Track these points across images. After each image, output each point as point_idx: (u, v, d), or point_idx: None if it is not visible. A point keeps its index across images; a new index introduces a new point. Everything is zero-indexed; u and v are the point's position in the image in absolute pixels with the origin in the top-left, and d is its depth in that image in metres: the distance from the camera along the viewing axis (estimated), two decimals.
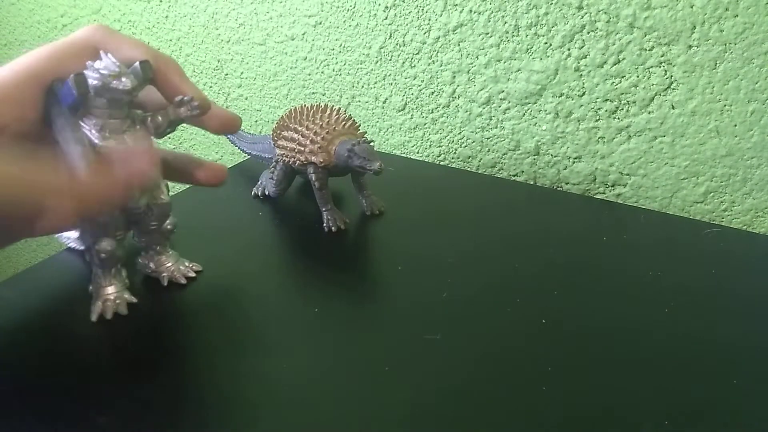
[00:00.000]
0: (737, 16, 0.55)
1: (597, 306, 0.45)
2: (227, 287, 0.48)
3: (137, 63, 0.39)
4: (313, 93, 0.83)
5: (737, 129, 0.58)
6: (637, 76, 0.61)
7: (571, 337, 0.41)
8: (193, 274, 0.49)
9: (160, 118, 0.43)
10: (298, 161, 0.54)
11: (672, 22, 0.58)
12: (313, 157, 0.53)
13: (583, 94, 0.64)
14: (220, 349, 0.41)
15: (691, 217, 0.63)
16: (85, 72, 0.38)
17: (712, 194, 0.62)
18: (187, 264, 0.49)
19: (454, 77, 0.71)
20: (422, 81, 0.73)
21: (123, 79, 0.39)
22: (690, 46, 0.58)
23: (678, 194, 0.63)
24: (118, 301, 0.44)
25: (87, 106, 0.39)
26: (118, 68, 0.39)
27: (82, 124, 0.40)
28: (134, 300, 0.45)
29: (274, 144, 0.58)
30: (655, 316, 0.44)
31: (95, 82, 0.38)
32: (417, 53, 0.72)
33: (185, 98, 0.43)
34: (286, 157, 0.56)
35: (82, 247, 0.52)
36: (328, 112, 0.55)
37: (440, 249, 0.52)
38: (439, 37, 0.70)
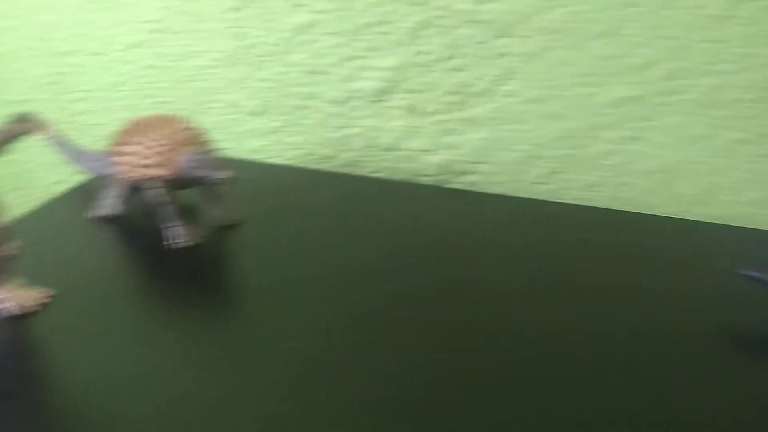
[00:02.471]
0: (564, 6, 0.59)
1: (450, 287, 0.46)
2: (74, 317, 0.44)
3: None
4: (162, 102, 0.79)
5: (570, 112, 0.63)
6: (479, 69, 0.63)
7: (430, 331, 0.42)
8: (44, 302, 0.45)
9: None
10: (140, 176, 0.51)
11: (507, 14, 0.60)
12: (155, 171, 0.50)
13: (431, 88, 0.66)
14: (72, 384, 0.38)
15: (536, 198, 0.66)
16: None
17: (553, 174, 0.66)
18: (34, 292, 0.45)
19: (307, 78, 0.70)
20: (275, 83, 0.72)
21: None
22: (526, 37, 0.61)
23: (523, 177, 0.67)
24: None
25: None
26: None
27: None
28: None
29: (113, 159, 0.54)
30: (512, 299, 0.45)
31: None
32: (268, 56, 0.71)
33: (27, 114, 0.40)
34: (128, 172, 0.52)
35: None
36: (170, 122, 0.53)
37: (300, 256, 0.51)
38: (288, 39, 0.69)
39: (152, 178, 0.51)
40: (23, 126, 0.41)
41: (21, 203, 0.91)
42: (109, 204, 0.56)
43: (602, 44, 0.59)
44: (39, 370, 0.40)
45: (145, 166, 0.51)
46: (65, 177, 0.90)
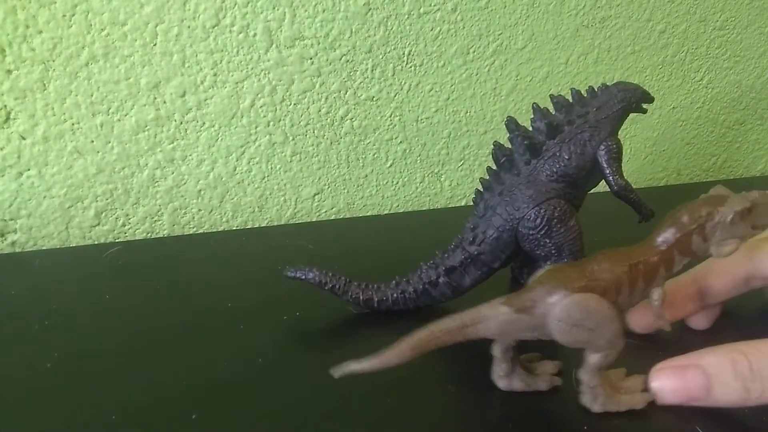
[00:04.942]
0: (42, 32, 0.52)
1: None
2: None
3: None
4: None
5: (96, 144, 0.57)
6: None
7: None
8: None
9: None
10: None
11: None
12: None
13: None
14: None
15: (95, 243, 0.59)
16: None
17: (104, 213, 0.59)
18: None
19: None
20: None
21: None
22: (9, 71, 0.52)
23: (72, 224, 0.59)
24: None
25: None
26: None
27: None
28: None
29: None
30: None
31: None
32: None
33: None
34: None
35: None
36: None
37: None
38: None
39: None
40: None
41: None
42: None
43: (96, 69, 0.54)
44: None
45: None
46: None
